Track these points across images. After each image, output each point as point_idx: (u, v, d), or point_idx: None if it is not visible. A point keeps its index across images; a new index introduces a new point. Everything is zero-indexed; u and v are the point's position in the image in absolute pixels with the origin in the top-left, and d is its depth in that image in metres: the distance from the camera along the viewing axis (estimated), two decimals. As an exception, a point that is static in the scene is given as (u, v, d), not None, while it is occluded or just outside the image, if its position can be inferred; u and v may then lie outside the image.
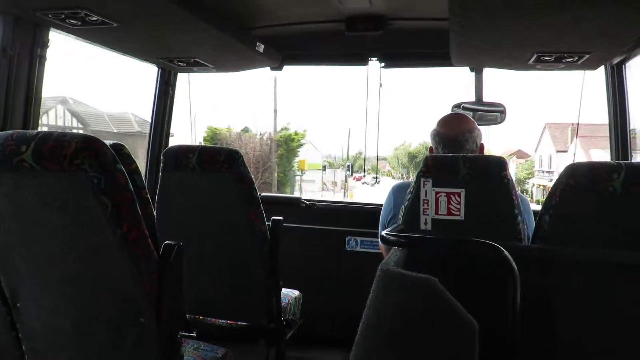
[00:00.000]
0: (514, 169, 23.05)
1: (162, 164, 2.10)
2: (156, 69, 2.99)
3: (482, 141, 2.04)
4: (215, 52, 2.58)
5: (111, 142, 1.78)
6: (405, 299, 0.98)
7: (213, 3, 2.14)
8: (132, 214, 1.16)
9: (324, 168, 27.60)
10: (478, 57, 2.43)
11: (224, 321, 2.33)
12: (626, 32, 1.91)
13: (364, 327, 1.04)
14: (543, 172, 23.66)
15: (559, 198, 1.43)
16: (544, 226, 1.47)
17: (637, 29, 1.88)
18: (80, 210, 1.15)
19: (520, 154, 27.18)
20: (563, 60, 2.25)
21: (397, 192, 2.10)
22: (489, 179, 1.54)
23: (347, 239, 2.99)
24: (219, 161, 2.00)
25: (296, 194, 16.06)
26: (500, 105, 2.73)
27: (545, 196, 1.58)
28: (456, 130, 1.98)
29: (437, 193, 1.57)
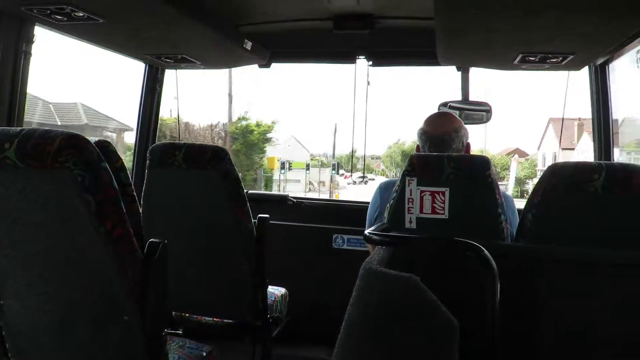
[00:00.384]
0: (515, 168, 22.24)
1: (148, 161, 2.09)
2: (143, 65, 2.98)
3: (470, 139, 2.06)
4: (202, 48, 2.57)
5: (96, 139, 1.78)
6: (387, 297, 0.99)
7: None
8: (116, 211, 1.16)
9: (307, 167, 26.49)
10: (464, 57, 2.45)
11: (210, 318, 2.33)
12: (610, 34, 1.94)
13: (346, 325, 1.05)
14: (547, 171, 22.80)
15: (542, 197, 1.45)
16: (526, 225, 1.49)
17: (620, 31, 1.91)
18: (64, 208, 1.15)
19: (518, 153, 26.42)
20: (547, 61, 2.28)
21: (384, 190, 2.12)
22: (473, 178, 1.56)
23: (334, 236, 3.01)
24: (205, 158, 1.99)
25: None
26: (486, 104, 2.75)
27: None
28: (442, 130, 1.99)
29: (421, 192, 1.58)
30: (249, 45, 2.65)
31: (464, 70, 2.77)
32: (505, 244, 1.51)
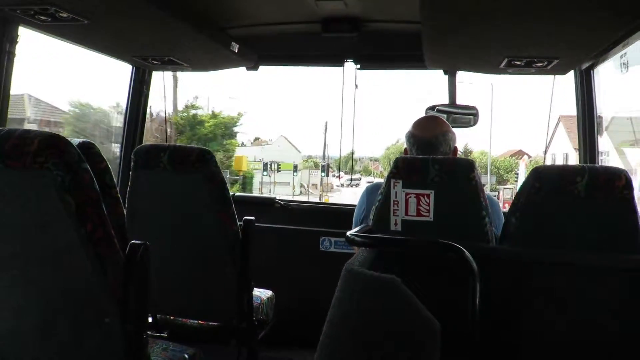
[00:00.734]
0: (524, 170, 21.39)
1: (132, 163, 2.08)
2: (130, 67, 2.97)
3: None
4: (189, 51, 2.56)
5: (80, 140, 1.76)
6: (369, 299, 0.99)
7: (188, 1, 2.13)
8: (97, 213, 1.15)
9: (295, 168, 25.38)
10: (450, 60, 2.46)
11: (195, 321, 2.31)
12: (594, 39, 1.96)
13: (329, 327, 1.05)
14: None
15: (526, 200, 1.47)
16: (510, 228, 1.50)
17: (605, 36, 1.94)
18: (43, 209, 1.14)
19: (521, 155, 25.89)
20: (533, 65, 2.30)
21: (371, 192, 2.12)
22: (457, 181, 1.56)
23: (321, 239, 3.00)
24: (190, 160, 1.98)
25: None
26: (473, 108, 2.76)
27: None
28: (430, 133, 2.00)
29: (407, 194, 1.58)
30: (236, 47, 2.64)
31: (451, 74, 2.78)
32: (488, 246, 1.52)
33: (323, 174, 25.25)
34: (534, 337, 1.39)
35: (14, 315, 1.28)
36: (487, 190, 1.93)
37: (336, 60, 3.02)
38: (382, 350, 0.96)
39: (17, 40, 2.10)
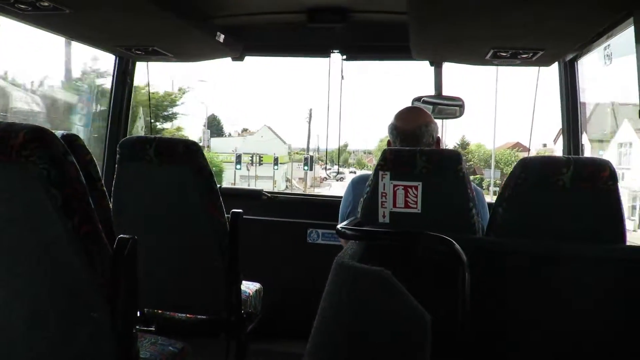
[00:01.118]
0: None
1: (118, 156, 2.05)
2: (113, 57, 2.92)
3: (440, 134, 2.08)
4: (174, 40, 2.53)
5: (64, 132, 1.73)
6: (359, 292, 0.99)
7: None
8: (84, 206, 1.13)
9: (275, 161, 23.88)
10: (437, 51, 2.47)
11: (184, 315, 2.31)
12: (579, 30, 1.98)
13: (319, 320, 1.05)
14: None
15: (512, 191, 1.48)
16: (497, 219, 1.52)
17: (588, 27, 1.96)
18: (29, 203, 1.12)
19: (519, 147, 25.06)
20: (518, 57, 2.32)
21: (357, 184, 2.12)
22: (445, 172, 1.57)
23: (308, 231, 3.01)
24: (177, 152, 1.96)
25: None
26: (459, 99, 2.77)
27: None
28: (413, 124, 2.01)
29: (395, 186, 1.59)
30: (221, 37, 2.61)
31: (437, 65, 2.79)
32: (476, 237, 1.53)
33: (306, 167, 23.74)
34: (521, 327, 1.41)
35: (1, 310, 1.26)
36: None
37: (322, 50, 3.01)
38: (374, 342, 0.96)
39: None
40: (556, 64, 2.62)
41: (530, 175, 1.45)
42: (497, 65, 2.51)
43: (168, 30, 2.33)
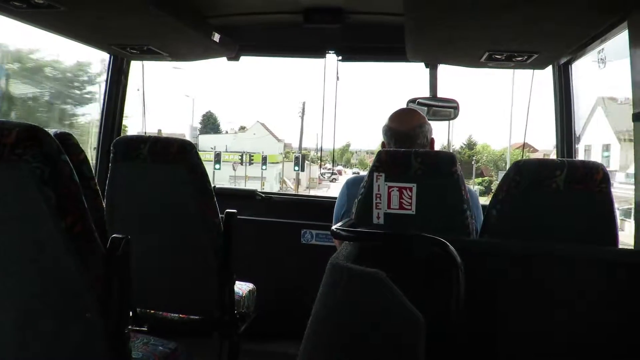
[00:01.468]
0: None
1: (112, 155, 2.04)
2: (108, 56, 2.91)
3: (434, 135, 2.08)
4: (169, 40, 2.52)
5: (57, 131, 1.72)
6: (353, 293, 0.99)
7: None
8: (77, 206, 1.12)
9: (264, 160, 22.51)
10: (432, 53, 2.47)
11: (176, 315, 2.30)
12: (573, 33, 1.99)
13: (313, 321, 1.05)
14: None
15: (506, 193, 1.49)
16: (491, 220, 1.52)
17: (583, 32, 1.97)
18: (23, 202, 1.11)
19: (526, 148, 24.68)
20: (513, 59, 2.33)
21: (351, 185, 2.13)
22: (440, 174, 1.58)
23: (302, 232, 3.00)
24: (171, 152, 1.96)
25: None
26: (453, 101, 2.78)
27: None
28: (407, 126, 2.01)
29: (389, 187, 1.59)
30: (217, 37, 2.61)
31: (432, 67, 2.79)
32: (470, 239, 1.54)
33: (297, 167, 22.10)
34: (514, 329, 1.41)
35: None
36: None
37: (318, 51, 3.01)
38: (368, 343, 0.96)
39: None
40: (550, 67, 2.64)
41: (524, 178, 1.46)
42: (491, 67, 2.52)
43: (163, 29, 2.32)
